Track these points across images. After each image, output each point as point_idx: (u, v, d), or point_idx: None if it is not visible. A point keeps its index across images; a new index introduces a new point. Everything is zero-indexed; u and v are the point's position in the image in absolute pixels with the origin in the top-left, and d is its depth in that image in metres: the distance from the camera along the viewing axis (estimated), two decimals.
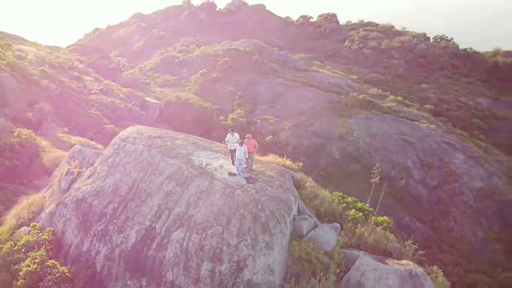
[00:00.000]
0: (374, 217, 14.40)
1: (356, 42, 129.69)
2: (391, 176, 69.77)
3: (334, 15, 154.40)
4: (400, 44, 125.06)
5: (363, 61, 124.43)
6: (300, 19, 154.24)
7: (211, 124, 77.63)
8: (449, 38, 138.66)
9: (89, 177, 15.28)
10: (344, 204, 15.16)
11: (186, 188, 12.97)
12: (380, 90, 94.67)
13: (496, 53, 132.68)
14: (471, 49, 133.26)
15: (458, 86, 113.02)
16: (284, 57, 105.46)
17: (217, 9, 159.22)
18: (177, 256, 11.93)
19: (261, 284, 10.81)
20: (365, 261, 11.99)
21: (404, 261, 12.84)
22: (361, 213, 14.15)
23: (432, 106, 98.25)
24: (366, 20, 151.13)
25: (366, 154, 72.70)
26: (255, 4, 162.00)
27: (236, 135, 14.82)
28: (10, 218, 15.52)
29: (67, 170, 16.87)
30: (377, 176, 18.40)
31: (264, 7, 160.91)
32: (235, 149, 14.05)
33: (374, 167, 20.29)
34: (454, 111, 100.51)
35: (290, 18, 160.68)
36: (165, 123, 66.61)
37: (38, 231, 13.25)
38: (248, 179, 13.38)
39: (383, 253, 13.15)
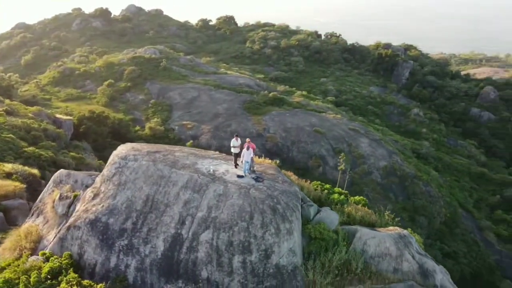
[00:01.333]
0: (352, 198, 17.11)
1: (257, 43, 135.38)
2: (308, 165, 75.52)
3: (232, 17, 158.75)
4: (297, 43, 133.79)
5: (266, 60, 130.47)
6: (200, 23, 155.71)
7: (128, 135, 75.51)
8: (338, 35, 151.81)
9: (93, 198, 15.35)
10: (326, 191, 17.65)
11: (204, 194, 14.29)
12: (287, 86, 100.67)
13: (377, 45, 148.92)
14: (357, 43, 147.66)
15: (352, 78, 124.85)
16: (192, 61, 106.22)
17: (112, 16, 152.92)
18: (209, 255, 13.25)
19: (286, 265, 12.68)
20: (364, 232, 14.65)
21: (391, 227, 15.83)
22: (343, 196, 16.72)
23: (334, 98, 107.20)
24: (262, 21, 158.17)
25: (284, 148, 77.43)
26: (152, 9, 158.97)
27: (239, 140, 16.34)
28: (7, 251, 14.74)
29: (60, 195, 16.43)
30: (343, 164, 21.09)
31: (162, 12, 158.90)
32: (238, 153, 15.58)
33: (340, 156, 22.99)
34: (352, 100, 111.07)
35: (189, 22, 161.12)
36: (82, 140, 63.55)
37: (56, 257, 13.12)
38: (256, 179, 15.08)
39: (369, 225, 15.92)
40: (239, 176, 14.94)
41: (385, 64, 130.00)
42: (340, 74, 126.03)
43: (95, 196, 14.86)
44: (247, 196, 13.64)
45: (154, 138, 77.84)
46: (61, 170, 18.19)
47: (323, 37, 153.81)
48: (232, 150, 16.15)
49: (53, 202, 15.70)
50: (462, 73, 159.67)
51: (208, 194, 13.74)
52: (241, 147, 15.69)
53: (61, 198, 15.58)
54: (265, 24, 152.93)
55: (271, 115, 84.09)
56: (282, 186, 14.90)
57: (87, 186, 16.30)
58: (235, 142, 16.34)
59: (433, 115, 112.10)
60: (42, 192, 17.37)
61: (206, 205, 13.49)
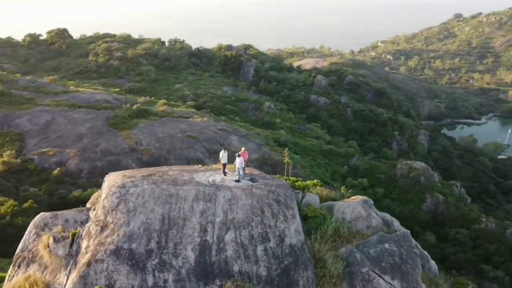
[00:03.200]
0: (310, 182, 20.62)
1: (101, 55, 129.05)
2: None
3: (65, 30, 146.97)
4: (144, 51, 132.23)
5: (115, 73, 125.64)
6: (28, 38, 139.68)
7: None
8: (181, 40, 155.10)
9: (102, 231, 14.91)
10: (288, 181, 20.81)
11: (216, 202, 15.75)
12: (148, 97, 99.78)
13: (220, 47, 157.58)
14: (202, 47, 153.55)
15: (205, 80, 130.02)
16: (34, 82, 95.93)
17: None
18: (237, 251, 14.92)
19: (296, 243, 15.47)
20: (339, 204, 18.37)
21: (353, 197, 19.95)
22: (304, 183, 20.23)
23: (193, 102, 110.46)
24: (101, 32, 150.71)
25: (161, 158, 77.51)
26: None
27: (227, 152, 18.13)
28: None
29: (54, 238, 15.04)
30: (287, 157, 24.34)
31: None
32: (226, 163, 17.39)
33: (284, 151, 26.04)
34: (210, 102, 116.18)
35: (13, 38, 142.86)
36: None
37: None
38: (252, 180, 17.17)
39: (333, 200, 19.70)
40: (236, 181, 17.03)
41: (232, 64, 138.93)
42: (193, 79, 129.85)
43: (103, 228, 14.83)
44: (253, 195, 15.95)
45: (11, 173, 69.36)
46: (42, 213, 16.85)
47: (167, 43, 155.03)
48: (221, 160, 18.09)
49: (47, 246, 14.81)
50: (294, 65, 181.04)
51: (219, 200, 15.54)
52: (229, 158, 17.75)
53: (56, 240, 14.83)
54: (105, 35, 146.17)
55: (139, 128, 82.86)
56: (273, 181, 17.68)
57: (82, 223, 15.88)
58: (223, 154, 18.31)
59: (282, 106, 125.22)
60: (22, 241, 15.92)
61: (221, 210, 15.30)
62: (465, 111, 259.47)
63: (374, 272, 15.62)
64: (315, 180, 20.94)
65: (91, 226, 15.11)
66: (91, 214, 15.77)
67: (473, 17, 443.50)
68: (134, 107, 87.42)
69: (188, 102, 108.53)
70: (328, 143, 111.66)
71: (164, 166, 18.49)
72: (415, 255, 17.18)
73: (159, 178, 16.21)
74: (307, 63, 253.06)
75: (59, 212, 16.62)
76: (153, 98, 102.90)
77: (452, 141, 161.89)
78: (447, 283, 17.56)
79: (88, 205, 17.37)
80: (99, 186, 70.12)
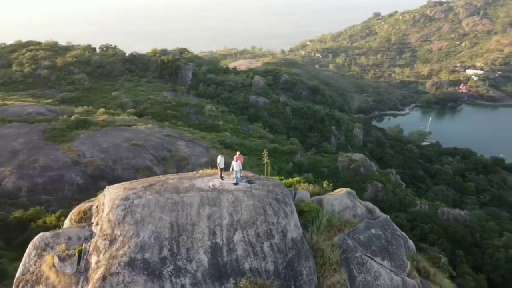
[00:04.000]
0: (294, 180, 21.75)
1: (27, 64, 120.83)
2: (137, 179, 75.68)
3: None
4: (75, 59, 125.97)
5: (44, 83, 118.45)
6: None
7: None
8: (114, 46, 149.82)
9: (111, 244, 14.59)
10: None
11: (220, 205, 16.22)
12: (86, 106, 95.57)
13: (155, 52, 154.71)
14: (136, 52, 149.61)
15: (143, 87, 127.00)
16: None
17: None
18: (246, 250, 15.57)
19: (297, 237, 16.54)
20: (328, 197, 19.74)
21: (337, 190, 21.40)
22: (290, 180, 21.35)
23: (133, 110, 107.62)
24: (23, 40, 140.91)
25: (108, 169, 74.92)
26: None
27: (223, 157, 18.67)
28: None
29: (59, 257, 14.26)
30: (267, 157, 25.20)
31: None
32: (223, 168, 17.94)
33: (263, 152, 26.74)
34: (151, 108, 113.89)
35: None
36: None
37: None
38: (249, 182, 17.86)
39: (318, 194, 21.00)
40: (235, 184, 17.70)
41: (169, 69, 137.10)
42: (130, 85, 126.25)
43: (112, 241, 14.69)
44: (254, 196, 16.77)
45: None
46: (41, 234, 16.02)
47: (98, 50, 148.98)
48: (219, 165, 18.68)
49: (53, 266, 14.28)
50: (228, 67, 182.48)
51: (223, 204, 16.16)
52: (236, 159, 18.56)
53: (62, 259, 14.34)
54: (29, 43, 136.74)
55: (80, 139, 79.28)
56: (269, 181, 18.59)
57: (86, 239, 15.49)
58: (221, 158, 18.90)
59: (224, 108, 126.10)
60: (22, 265, 15.09)
61: (227, 213, 15.93)
62: (391, 103, 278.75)
63: (366, 255, 17.30)
64: (298, 178, 22.29)
65: (98, 241, 15.02)
66: (95, 229, 15.61)
67: (390, 15, 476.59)
68: (73, 118, 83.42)
69: (129, 110, 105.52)
70: (272, 142, 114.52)
71: (161, 175, 18.71)
72: (398, 236, 19.22)
73: (160, 188, 16.50)
74: (241, 64, 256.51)
75: (60, 231, 16.19)
76: (90, 107, 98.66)
77: (383, 132, 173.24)
78: (425, 259, 19.85)
79: (92, 220, 17.13)
80: (41, 204, 66.27)
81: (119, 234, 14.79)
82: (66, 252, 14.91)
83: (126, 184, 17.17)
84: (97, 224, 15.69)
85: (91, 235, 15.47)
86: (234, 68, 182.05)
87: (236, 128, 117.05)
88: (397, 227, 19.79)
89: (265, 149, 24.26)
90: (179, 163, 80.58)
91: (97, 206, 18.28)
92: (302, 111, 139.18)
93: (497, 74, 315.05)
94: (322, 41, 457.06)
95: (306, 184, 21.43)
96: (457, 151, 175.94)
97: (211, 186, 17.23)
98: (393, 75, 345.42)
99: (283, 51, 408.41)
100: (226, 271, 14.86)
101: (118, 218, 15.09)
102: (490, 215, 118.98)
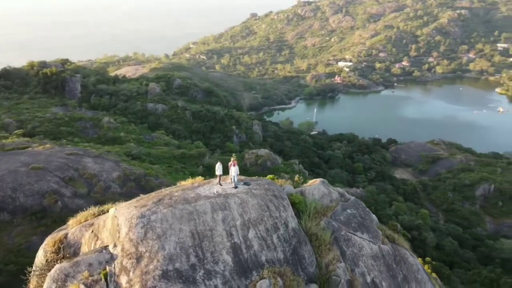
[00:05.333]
0: (269, 177, 23.32)
1: None
2: (44, 205, 69.55)
3: None
4: None
5: None
6: None
7: None
8: None
9: (139, 261, 14.18)
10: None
11: (230, 208, 17.01)
12: None
13: (32, 65, 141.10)
14: (10, 66, 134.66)
15: (26, 104, 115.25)
16: None
17: None
18: (260, 244, 16.76)
19: (295, 226, 18.36)
20: (308, 188, 21.83)
21: (312, 180, 23.54)
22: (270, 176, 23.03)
23: (21, 130, 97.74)
24: None
25: (7, 199, 67.34)
26: None
27: (222, 165, 19.34)
28: None
29: (85, 284, 13.14)
30: (235, 157, 26.21)
31: None
32: (221, 174, 18.78)
33: (232, 155, 27.38)
34: (40, 127, 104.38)
35: None
36: None
37: None
38: (246, 184, 18.95)
39: (295, 187, 22.98)
40: (235, 188, 18.78)
41: (54, 82, 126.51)
42: (10, 104, 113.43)
43: (139, 258, 14.57)
44: (255, 196, 18.17)
45: None
46: (59, 265, 14.73)
47: None
48: (217, 172, 19.52)
49: None
50: (113, 75, 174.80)
51: (233, 206, 17.24)
52: (234, 164, 19.48)
53: (89, 286, 13.73)
54: None
55: None
56: (263, 181, 20.02)
57: (107, 262, 14.95)
58: (219, 165, 19.69)
59: (122, 119, 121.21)
60: None
61: (237, 214, 17.05)
62: (278, 98, 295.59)
63: (349, 232, 20.10)
64: (271, 175, 24.25)
65: (123, 261, 14.99)
66: (115, 250, 15.42)
67: (266, 15, 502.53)
68: None
69: (15, 131, 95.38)
70: (178, 148, 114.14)
71: (163, 189, 18.92)
72: (368, 212, 22.53)
73: (170, 201, 16.98)
74: (127, 72, 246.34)
75: (79, 259, 15.50)
76: None
77: (278, 127, 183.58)
78: (386, 228, 23.57)
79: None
80: None
81: (144, 250, 15.14)
82: (91, 278, 14.70)
83: (133, 202, 17.27)
84: (115, 245, 15.65)
85: (112, 257, 15.40)
86: (124, 77, 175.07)
87: (139, 138, 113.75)
88: (364, 205, 23.22)
89: (234, 153, 25.64)
90: (89, 181, 75.95)
91: (93, 231, 18.03)
92: (202, 114, 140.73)
93: (363, 65, 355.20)
94: (205, 43, 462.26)
95: (283, 180, 23.67)
96: (343, 136, 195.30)
97: (215, 192, 18.34)
98: (276, 71, 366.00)
99: (167, 56, 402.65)
100: (248, 266, 16.30)
101: (140, 235, 15.39)
102: (379, 189, 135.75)
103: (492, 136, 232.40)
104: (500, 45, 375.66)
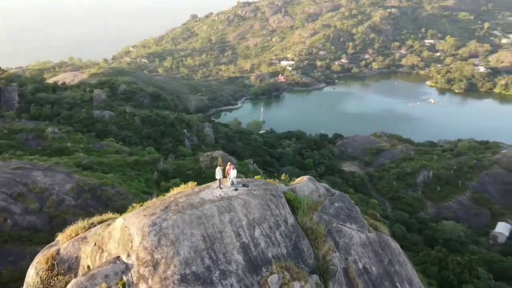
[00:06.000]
0: (257, 177, 23.95)
1: None
2: None
3: None
4: None
5: None
6: None
7: None
8: None
9: (156, 268, 14.12)
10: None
11: (235, 210, 17.47)
12: None
13: None
14: None
15: None
16: None
17: None
18: (266, 241, 17.45)
19: (293, 222, 19.30)
20: (298, 185, 22.80)
21: (298, 179, 24.46)
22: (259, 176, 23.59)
23: None
24: None
25: None
26: None
27: (221, 169, 19.69)
28: None
29: None
30: (220, 160, 26.55)
31: None
32: (221, 178, 19.20)
33: (217, 160, 27.57)
34: None
35: None
36: None
37: None
38: (245, 185, 19.47)
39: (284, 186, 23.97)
40: (235, 190, 19.29)
41: None
42: None
43: (156, 265, 14.64)
44: (256, 196, 18.87)
45: None
46: (75, 280, 14.17)
47: None
48: (217, 176, 19.89)
49: None
50: (56, 82, 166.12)
51: (237, 208, 17.80)
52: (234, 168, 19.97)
53: None
54: None
55: None
56: (259, 182, 20.67)
57: (123, 272, 14.77)
58: (219, 170, 20.05)
59: (68, 128, 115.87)
60: None
61: (242, 215, 17.64)
62: (224, 99, 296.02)
63: (340, 224, 21.48)
64: (259, 176, 25.00)
65: (140, 270, 15.08)
66: (129, 260, 15.41)
67: (206, 17, 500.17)
68: None
69: None
70: (131, 155, 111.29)
71: (166, 197, 19.04)
72: (353, 204, 24.08)
73: (177, 207, 17.23)
74: (65, 78, 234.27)
75: (95, 271, 15.23)
76: None
77: (228, 128, 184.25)
78: (368, 217, 25.31)
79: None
80: None
81: (160, 257, 15.41)
82: None
83: (140, 211, 17.30)
84: (128, 255, 15.71)
85: (127, 267, 15.45)
86: (64, 84, 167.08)
87: (87, 147, 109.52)
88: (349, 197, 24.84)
89: (219, 158, 26.17)
90: (40, 196, 72.11)
91: (95, 244, 17.94)
92: (152, 119, 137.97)
93: (305, 63, 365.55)
94: (146, 46, 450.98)
95: (272, 179, 24.65)
96: (291, 134, 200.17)
97: (218, 196, 18.89)
98: (220, 72, 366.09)
99: (106, 60, 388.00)
100: (258, 263, 17.11)
101: (154, 243, 15.62)
102: (330, 183, 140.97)
103: (426, 126, 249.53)
104: (427, 41, 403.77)
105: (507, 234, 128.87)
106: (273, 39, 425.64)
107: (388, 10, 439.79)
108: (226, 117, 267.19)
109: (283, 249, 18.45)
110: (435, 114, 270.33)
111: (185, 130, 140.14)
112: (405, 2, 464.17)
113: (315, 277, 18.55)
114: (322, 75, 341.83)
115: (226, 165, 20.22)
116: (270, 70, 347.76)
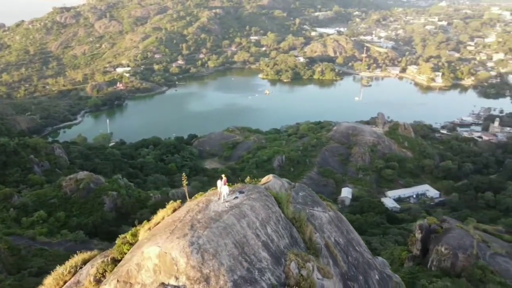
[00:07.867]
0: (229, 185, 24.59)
1: None
2: None
3: None
4: None
5: None
6: None
7: None
8: None
9: (208, 282, 14.09)
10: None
11: (247, 215, 18.57)
12: None
13: None
14: None
15: None
16: None
17: None
18: (277, 236, 19.11)
19: (284, 215, 21.99)
20: (269, 184, 24.77)
21: (266, 177, 26.23)
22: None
23: None
24: None
25: None
26: None
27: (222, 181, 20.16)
28: None
29: None
30: (185, 180, 26.45)
31: None
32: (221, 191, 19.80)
33: (183, 174, 26.85)
34: None
35: None
36: None
37: None
38: (241, 192, 20.49)
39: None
40: (235, 198, 20.36)
41: None
42: None
43: (208, 279, 14.50)
44: (256, 199, 20.33)
45: None
46: None
47: None
48: (218, 187, 20.54)
49: None
50: None
51: (248, 212, 19.07)
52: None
53: None
54: None
55: None
56: (249, 186, 21.86)
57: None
58: (220, 183, 20.59)
59: None
60: None
61: (254, 218, 19.00)
62: (60, 115, 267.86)
63: (310, 209, 24.86)
64: (248, 178, 26.24)
65: (194, 286, 15.57)
66: (179, 282, 15.43)
67: (17, 25, 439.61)
68: None
69: None
70: None
71: (176, 216, 18.98)
72: (312, 191, 27.58)
73: (201, 224, 17.60)
74: None
75: None
76: None
77: (80, 146, 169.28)
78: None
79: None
80: None
81: (208, 271, 16.17)
82: None
83: (169, 236, 17.19)
84: (176, 278, 15.98)
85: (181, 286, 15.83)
86: None
87: None
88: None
89: (183, 173, 26.37)
90: None
91: (118, 280, 17.52)
92: None
93: (142, 68, 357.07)
94: None
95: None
96: (147, 141, 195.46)
97: (227, 206, 20.13)
98: (47, 87, 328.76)
99: None
100: (277, 256, 19.26)
101: (199, 260, 16.23)
102: (200, 182, 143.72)
103: (268, 115, 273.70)
104: (253, 38, 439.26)
105: (350, 196, 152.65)
106: (103, 46, 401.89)
107: (213, 10, 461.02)
108: (66, 135, 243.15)
109: (286, 239, 21.12)
110: (272, 103, 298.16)
111: (32, 156, 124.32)
112: (227, 2, 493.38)
113: (312, 257, 21.86)
114: (162, 79, 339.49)
115: (222, 179, 21.54)
116: (106, 78, 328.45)
